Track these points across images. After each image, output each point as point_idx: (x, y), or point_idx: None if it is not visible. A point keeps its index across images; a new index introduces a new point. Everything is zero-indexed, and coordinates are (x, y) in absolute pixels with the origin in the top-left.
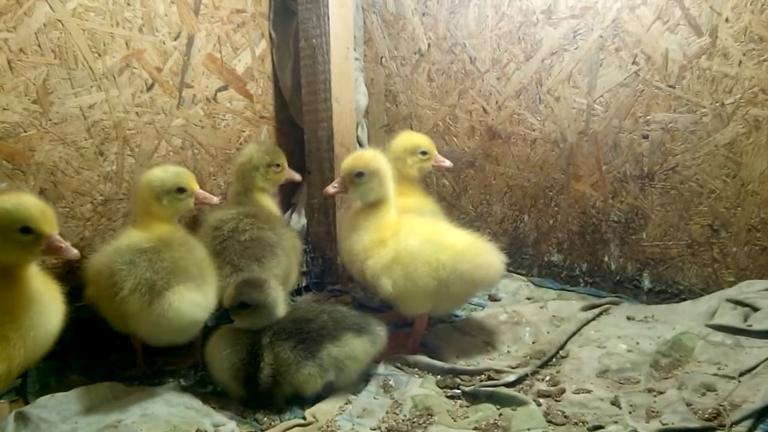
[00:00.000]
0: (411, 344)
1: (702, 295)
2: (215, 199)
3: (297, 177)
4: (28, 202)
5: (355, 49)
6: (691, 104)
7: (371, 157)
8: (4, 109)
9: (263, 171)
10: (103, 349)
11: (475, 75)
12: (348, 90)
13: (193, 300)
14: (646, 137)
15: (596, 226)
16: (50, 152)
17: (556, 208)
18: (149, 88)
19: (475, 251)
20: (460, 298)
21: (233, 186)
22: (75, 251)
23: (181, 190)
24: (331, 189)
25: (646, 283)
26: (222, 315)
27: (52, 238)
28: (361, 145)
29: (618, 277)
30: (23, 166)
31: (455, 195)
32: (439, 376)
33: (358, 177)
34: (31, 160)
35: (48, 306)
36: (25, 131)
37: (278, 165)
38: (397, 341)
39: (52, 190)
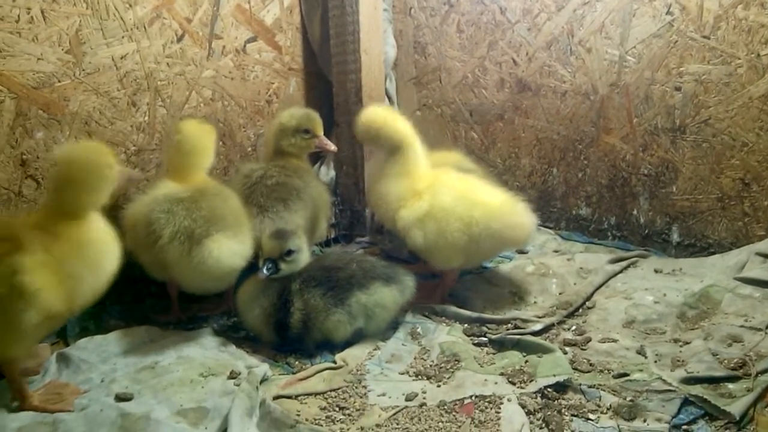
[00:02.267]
0: (439, 296)
1: (731, 249)
2: (333, 147)
3: (331, 147)
4: None
5: (383, 0)
6: (726, 55)
7: (382, 112)
8: (38, 59)
9: (292, 136)
10: (139, 296)
11: (505, 26)
12: (377, 41)
13: (231, 248)
14: (678, 89)
15: (626, 179)
16: (84, 102)
17: (585, 162)
18: (179, 39)
19: (509, 211)
20: (489, 254)
21: (265, 147)
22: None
23: (306, 131)
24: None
25: (675, 237)
26: (271, 268)
27: None
28: (389, 98)
29: (647, 231)
30: (58, 116)
31: (483, 148)
32: (466, 325)
33: (377, 135)
34: (66, 110)
35: (109, 247)
36: (59, 81)
37: (307, 131)
38: (425, 292)
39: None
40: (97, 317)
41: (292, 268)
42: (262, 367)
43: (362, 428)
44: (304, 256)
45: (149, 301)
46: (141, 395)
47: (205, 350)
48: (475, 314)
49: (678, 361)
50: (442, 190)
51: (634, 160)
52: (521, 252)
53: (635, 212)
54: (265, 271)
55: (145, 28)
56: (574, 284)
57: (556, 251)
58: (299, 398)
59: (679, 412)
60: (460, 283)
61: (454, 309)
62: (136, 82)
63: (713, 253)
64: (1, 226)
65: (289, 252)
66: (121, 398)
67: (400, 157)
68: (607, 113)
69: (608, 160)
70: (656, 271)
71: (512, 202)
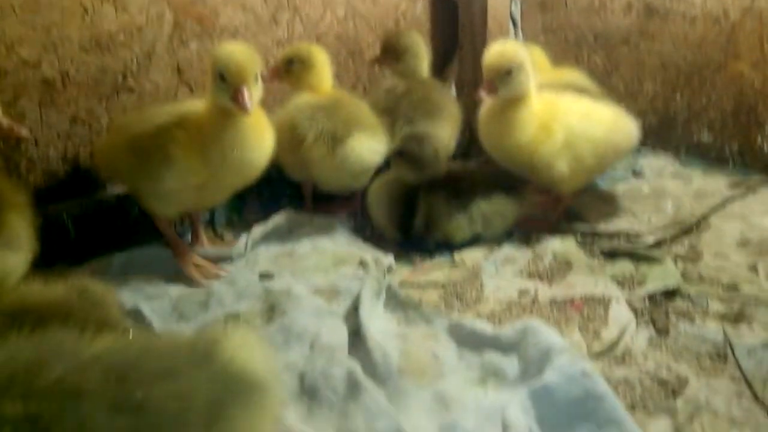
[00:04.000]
0: (556, 218)
1: None
2: None
3: None
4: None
5: None
6: None
7: (514, 51)
8: None
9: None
10: (276, 196)
11: None
12: None
13: (371, 146)
14: None
15: (752, 106)
16: (232, 17)
17: (711, 87)
18: None
19: (621, 122)
20: (605, 168)
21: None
22: None
23: None
24: (482, 95)
25: None
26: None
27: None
28: (513, 21)
29: None
30: (209, 29)
31: (606, 73)
32: (578, 237)
33: (507, 75)
34: (216, 24)
35: (264, 134)
36: None
37: None
38: (543, 206)
39: None
40: (239, 211)
41: (404, 172)
42: (389, 258)
43: (478, 314)
44: (423, 166)
45: (284, 200)
46: (281, 276)
47: (336, 244)
48: (588, 228)
49: None
50: (567, 117)
51: (762, 87)
52: (638, 176)
53: (759, 140)
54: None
55: None
56: (690, 205)
57: (673, 176)
58: (420, 287)
59: None
60: (575, 200)
61: (567, 224)
62: (278, 0)
63: None
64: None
65: (400, 153)
66: (264, 276)
67: (528, 100)
68: (738, 38)
69: (735, 87)
70: None
71: (619, 112)
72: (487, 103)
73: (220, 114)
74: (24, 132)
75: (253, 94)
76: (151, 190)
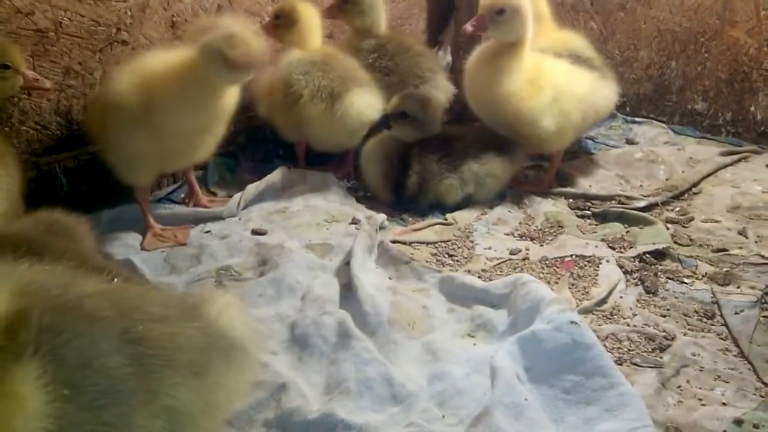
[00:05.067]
0: (548, 181)
1: None
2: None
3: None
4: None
5: None
6: None
7: None
8: None
9: None
10: (269, 156)
11: None
12: None
13: (369, 101)
14: None
15: (747, 74)
16: None
17: (706, 55)
18: None
19: (601, 83)
20: (586, 128)
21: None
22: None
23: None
24: (469, 27)
25: None
26: (383, 120)
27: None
28: None
29: (763, 128)
30: None
31: (602, 39)
32: (571, 200)
33: (499, 14)
34: None
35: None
36: None
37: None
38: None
39: (227, 7)
40: (233, 170)
41: (404, 132)
42: (381, 215)
43: (469, 271)
44: (422, 127)
45: (278, 162)
46: (274, 231)
47: (329, 202)
48: (579, 191)
49: None
50: (554, 74)
51: (757, 55)
52: (631, 143)
53: (753, 108)
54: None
55: None
56: (682, 172)
57: (666, 143)
58: (412, 245)
59: None
60: (567, 164)
61: (558, 188)
62: None
63: None
64: None
65: (403, 114)
66: (256, 232)
67: (522, 50)
68: (734, 5)
69: (730, 54)
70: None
71: (599, 76)
72: (477, 50)
73: (198, 75)
74: (48, 84)
75: None
76: (113, 154)
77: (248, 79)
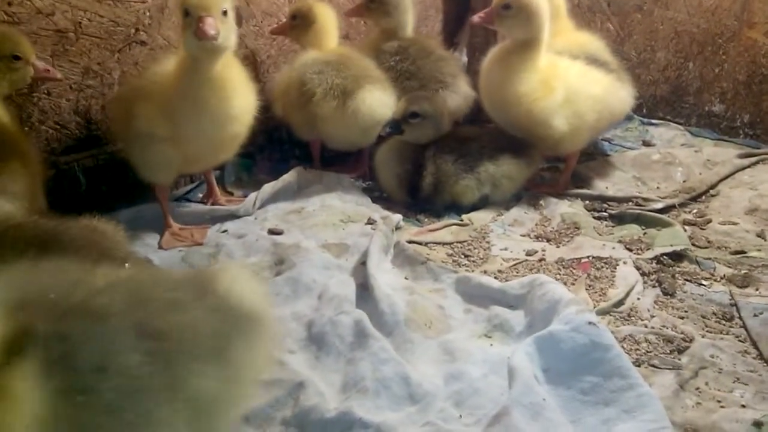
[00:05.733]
0: (564, 182)
1: None
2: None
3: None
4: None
5: None
6: None
7: None
8: None
9: None
10: (285, 156)
11: None
12: None
13: (381, 99)
14: None
15: (765, 76)
16: None
17: (723, 56)
18: None
19: (617, 84)
20: (602, 130)
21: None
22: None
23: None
24: (476, 18)
25: None
26: (393, 126)
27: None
28: None
29: None
30: None
31: (619, 40)
32: (587, 201)
33: (505, 9)
34: None
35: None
36: None
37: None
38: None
39: (244, 9)
40: (249, 170)
41: (416, 134)
42: (397, 216)
43: (485, 272)
44: (433, 127)
45: (294, 162)
46: (290, 231)
47: (345, 202)
48: (596, 192)
49: None
50: (567, 75)
51: None
52: (647, 145)
53: None
54: (387, 128)
55: None
56: (700, 174)
57: (683, 145)
58: (428, 245)
59: None
60: (584, 165)
61: (575, 190)
62: None
63: None
64: None
65: (413, 114)
66: (273, 232)
67: (536, 50)
68: (752, 6)
69: (748, 56)
70: None
71: (615, 77)
72: (492, 50)
73: (191, 65)
74: (59, 75)
75: (219, 28)
76: (135, 153)
77: (217, 46)
